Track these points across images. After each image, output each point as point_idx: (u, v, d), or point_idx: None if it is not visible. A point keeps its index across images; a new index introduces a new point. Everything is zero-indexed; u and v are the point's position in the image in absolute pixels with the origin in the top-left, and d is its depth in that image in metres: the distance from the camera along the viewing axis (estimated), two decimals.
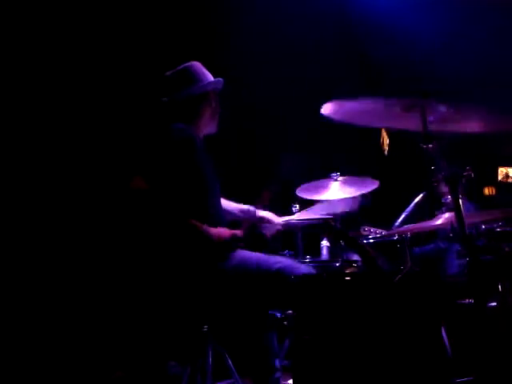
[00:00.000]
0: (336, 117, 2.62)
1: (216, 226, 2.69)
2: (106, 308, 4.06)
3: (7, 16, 4.07)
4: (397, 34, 4.96)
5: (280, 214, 3.45)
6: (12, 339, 3.76)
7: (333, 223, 3.29)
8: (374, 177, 3.48)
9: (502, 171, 4.17)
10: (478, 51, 4.58)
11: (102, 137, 4.32)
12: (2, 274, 3.85)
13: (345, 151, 5.06)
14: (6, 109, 4.04)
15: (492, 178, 4.26)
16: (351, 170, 3.57)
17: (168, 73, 2.98)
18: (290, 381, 2.53)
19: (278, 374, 2.72)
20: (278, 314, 2.83)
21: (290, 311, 2.59)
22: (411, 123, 2.55)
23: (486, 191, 4.45)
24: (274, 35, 4.87)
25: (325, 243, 3.81)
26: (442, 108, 2.48)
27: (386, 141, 3.84)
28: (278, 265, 2.66)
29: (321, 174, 3.61)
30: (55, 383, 3.76)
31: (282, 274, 2.62)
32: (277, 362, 2.74)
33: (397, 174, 5.03)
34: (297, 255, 3.61)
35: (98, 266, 4.13)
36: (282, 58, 4.93)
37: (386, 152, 4.03)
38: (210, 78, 3.00)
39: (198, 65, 3.00)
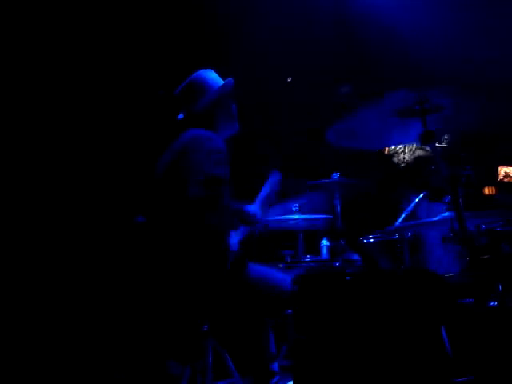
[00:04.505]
0: (341, 143, 2.61)
1: (226, 226, 2.73)
2: (107, 307, 4.06)
3: (7, 16, 4.07)
4: (396, 32, 4.95)
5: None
6: (12, 339, 3.77)
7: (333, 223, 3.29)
8: (375, 177, 3.48)
9: (501, 171, 4.17)
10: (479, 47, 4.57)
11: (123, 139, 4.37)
12: (14, 275, 3.88)
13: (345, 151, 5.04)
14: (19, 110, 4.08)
15: (492, 178, 4.25)
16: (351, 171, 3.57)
17: (176, 90, 2.95)
18: (291, 382, 2.53)
19: (277, 377, 2.71)
20: None
21: (290, 311, 2.60)
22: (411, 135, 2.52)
23: (486, 191, 4.44)
24: (273, 34, 4.86)
25: (325, 243, 3.83)
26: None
27: None
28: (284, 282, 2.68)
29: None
30: (56, 383, 3.76)
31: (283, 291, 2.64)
32: (275, 365, 2.74)
33: (397, 173, 5.02)
34: (297, 255, 3.62)
35: (100, 263, 4.13)
36: (281, 57, 4.92)
37: (386, 152, 4.03)
38: (218, 81, 2.95)
39: (202, 73, 2.96)
